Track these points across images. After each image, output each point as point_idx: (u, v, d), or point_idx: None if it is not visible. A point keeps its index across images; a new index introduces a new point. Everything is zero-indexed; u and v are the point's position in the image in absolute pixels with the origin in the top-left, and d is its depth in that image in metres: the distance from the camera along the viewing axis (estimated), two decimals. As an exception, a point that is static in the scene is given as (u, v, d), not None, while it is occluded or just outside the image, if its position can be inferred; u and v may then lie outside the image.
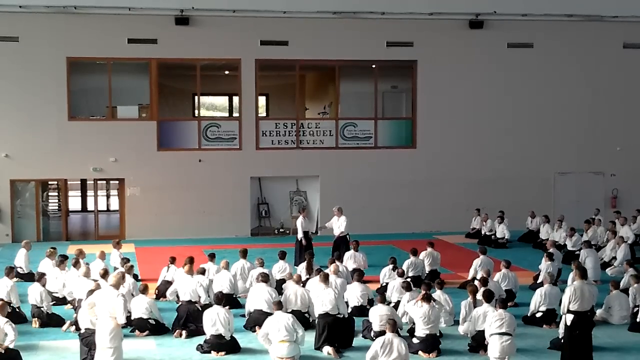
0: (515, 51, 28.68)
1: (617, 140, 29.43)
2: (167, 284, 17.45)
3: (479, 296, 14.45)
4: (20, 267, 18.90)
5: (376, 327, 13.98)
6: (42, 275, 16.10)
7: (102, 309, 11.80)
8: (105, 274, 15.13)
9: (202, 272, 16.04)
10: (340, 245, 21.05)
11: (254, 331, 14.65)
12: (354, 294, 16.15)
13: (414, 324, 13.87)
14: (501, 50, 28.62)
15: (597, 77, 29.20)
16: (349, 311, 15.56)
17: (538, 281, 18.07)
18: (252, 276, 16.90)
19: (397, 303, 15.59)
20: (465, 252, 23.78)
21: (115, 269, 18.03)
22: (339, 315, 14.08)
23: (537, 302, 15.50)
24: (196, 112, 29.49)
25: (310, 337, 14.07)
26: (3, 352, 11.66)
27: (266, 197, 28.74)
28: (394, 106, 30.04)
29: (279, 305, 13.65)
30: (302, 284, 15.83)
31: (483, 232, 26.13)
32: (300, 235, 21.34)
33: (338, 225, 21.65)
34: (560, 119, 29.06)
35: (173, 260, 18.09)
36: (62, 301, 16.76)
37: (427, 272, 19.17)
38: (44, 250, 18.99)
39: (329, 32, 27.48)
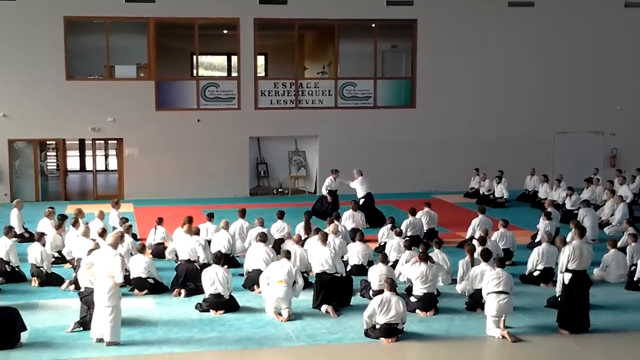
0: (515, 10, 28.45)
1: (617, 99, 29.33)
2: (159, 245, 17.50)
3: (477, 255, 14.51)
4: (15, 227, 18.91)
5: (375, 286, 14.04)
6: (42, 235, 16.13)
7: (100, 268, 11.84)
8: (103, 234, 15.19)
9: (197, 232, 16.04)
10: (367, 205, 21.41)
11: (253, 290, 14.73)
12: (355, 253, 16.22)
13: (411, 282, 13.92)
14: (502, 9, 28.39)
15: (597, 37, 29.00)
16: (349, 269, 15.66)
17: (536, 240, 18.12)
18: (250, 236, 16.95)
19: (395, 262, 15.63)
20: (463, 211, 23.82)
21: (114, 228, 18.09)
22: (336, 274, 14.14)
23: (535, 261, 15.56)
24: (194, 71, 29.34)
25: (308, 296, 14.16)
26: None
27: (265, 157, 28.72)
28: (394, 66, 29.89)
29: (287, 254, 13.79)
30: (301, 244, 15.87)
31: (481, 192, 26.15)
32: (324, 191, 21.99)
33: (360, 187, 21.98)
34: (560, 78, 28.93)
35: (160, 220, 18.09)
36: (61, 260, 16.81)
37: (424, 231, 19.22)
38: (43, 210, 19.03)
39: (328, -9, 27.27)
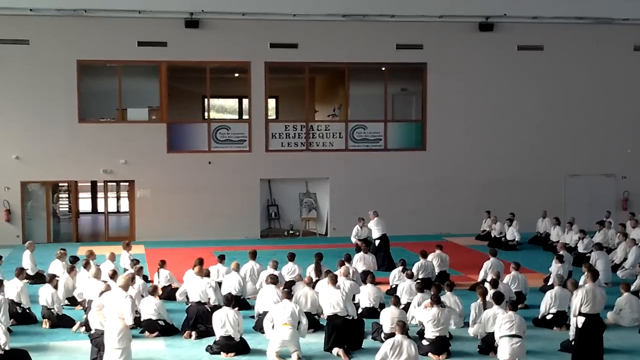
0: (525, 54, 28.62)
1: (628, 142, 29.33)
2: (165, 288, 17.42)
3: (489, 298, 14.41)
4: (27, 269, 18.90)
5: (387, 329, 13.94)
6: (53, 276, 16.13)
7: (111, 310, 11.82)
8: (114, 275, 15.18)
9: (208, 274, 16.00)
10: (383, 245, 21.52)
11: (264, 333, 14.65)
12: (367, 296, 16.15)
13: (423, 325, 13.83)
14: (511, 53, 28.56)
15: (607, 80, 29.11)
16: (360, 312, 15.57)
17: (548, 283, 18.00)
18: (262, 278, 16.89)
19: (407, 305, 15.55)
20: (475, 254, 23.72)
21: (125, 270, 18.09)
22: (347, 317, 14.07)
23: (548, 304, 15.44)
24: (206, 114, 29.52)
25: (319, 339, 14.08)
26: (2, 352, 11.66)
27: (276, 199, 28.76)
28: (404, 109, 29.99)
29: (288, 295, 13.77)
30: (312, 286, 15.82)
31: (493, 235, 26.07)
32: (353, 240, 22.08)
33: (375, 228, 22.02)
34: (571, 121, 28.97)
35: (163, 263, 18.05)
36: (72, 302, 16.78)
37: (436, 274, 19.13)
38: (54, 252, 19.04)
39: (338, 35, 27.49)
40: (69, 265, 17.46)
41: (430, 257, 19.36)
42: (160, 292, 17.27)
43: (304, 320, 13.53)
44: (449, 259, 19.95)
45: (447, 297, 15.05)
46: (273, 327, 13.40)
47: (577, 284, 14.57)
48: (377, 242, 21.74)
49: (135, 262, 18.04)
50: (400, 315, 13.88)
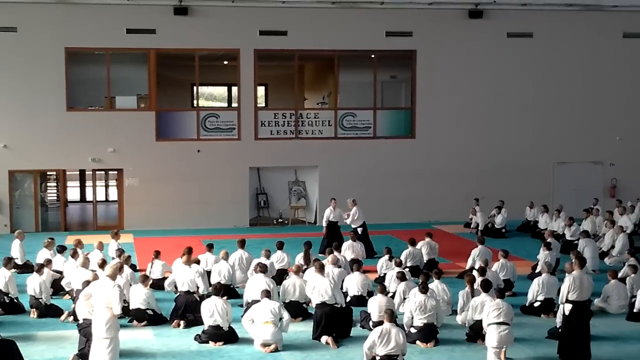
0: (514, 41, 28.60)
1: (616, 130, 29.38)
2: (159, 281, 17.35)
3: (477, 286, 14.46)
4: (17, 258, 18.85)
5: (375, 317, 13.98)
6: (42, 266, 16.08)
7: (99, 299, 11.78)
8: (103, 265, 15.16)
9: (197, 262, 15.97)
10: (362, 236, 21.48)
11: (253, 321, 14.64)
12: (355, 284, 16.17)
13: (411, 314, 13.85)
14: (500, 40, 28.54)
15: (596, 67, 29.13)
16: (348, 300, 15.60)
17: (536, 271, 18.06)
18: (252, 266, 16.86)
19: (395, 293, 15.57)
20: (463, 241, 23.78)
21: (113, 259, 18.03)
22: (336, 305, 14.09)
23: (535, 291, 15.51)
24: (195, 102, 29.44)
25: (308, 327, 14.11)
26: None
27: (265, 187, 28.73)
28: (393, 96, 29.97)
29: (267, 294, 13.74)
30: (301, 274, 15.83)
31: (472, 226, 25.99)
32: (324, 224, 22.21)
33: (351, 219, 22.09)
34: (560, 108, 29.01)
35: (157, 254, 18.01)
36: (60, 291, 16.74)
37: (424, 261, 19.17)
38: (43, 241, 18.97)
39: (328, 22, 27.42)
40: (55, 255, 17.40)
41: (419, 245, 19.39)
42: (151, 281, 17.31)
43: (286, 315, 13.51)
44: (438, 247, 19.97)
45: (435, 285, 15.09)
46: (253, 322, 13.41)
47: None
48: (359, 230, 21.72)
49: (120, 251, 17.86)
50: (388, 304, 13.92)
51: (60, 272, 16.94)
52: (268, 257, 17.09)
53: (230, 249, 18.29)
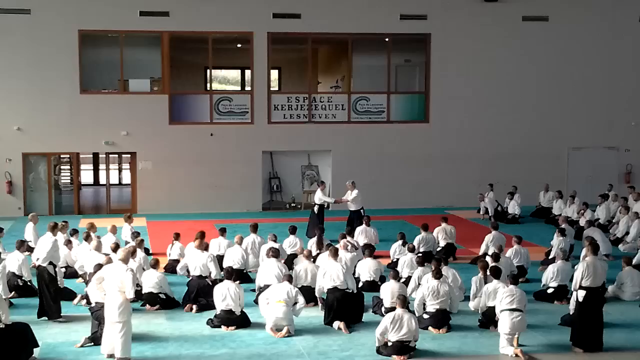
0: (530, 24, 28.38)
1: (631, 115, 29.17)
2: (174, 262, 17.46)
3: (489, 272, 14.39)
4: (30, 241, 18.90)
5: (387, 303, 13.93)
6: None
7: (111, 283, 11.79)
8: (116, 248, 15.17)
9: (206, 247, 15.95)
10: (354, 220, 21.12)
11: (268, 301, 14.62)
12: (367, 269, 16.14)
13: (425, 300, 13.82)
14: (516, 23, 28.32)
15: (611, 51, 28.89)
16: (360, 286, 15.57)
17: (550, 257, 17.97)
18: (263, 252, 16.86)
19: (408, 279, 15.53)
20: (476, 227, 23.71)
21: (127, 243, 18.10)
22: (347, 290, 14.07)
23: (548, 277, 15.44)
24: (208, 85, 29.40)
25: (320, 312, 14.11)
26: (3, 326, 11.67)
27: (278, 171, 28.70)
28: (407, 80, 29.83)
29: (289, 278, 13.75)
30: (312, 260, 15.82)
31: (482, 210, 25.87)
32: (316, 208, 21.89)
33: (351, 199, 21.77)
34: (575, 93, 28.81)
35: (177, 236, 18.08)
36: (73, 275, 16.80)
37: (442, 246, 19.10)
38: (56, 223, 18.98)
39: (341, 5, 27.29)
40: (66, 238, 17.43)
41: (435, 230, 19.31)
42: (166, 263, 17.42)
43: (301, 300, 13.53)
44: (455, 231, 19.79)
45: (445, 271, 15.01)
46: (268, 303, 13.42)
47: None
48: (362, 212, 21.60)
49: (136, 234, 18.05)
50: (401, 289, 13.86)
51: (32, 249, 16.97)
52: (275, 241, 17.01)
53: (243, 233, 18.26)
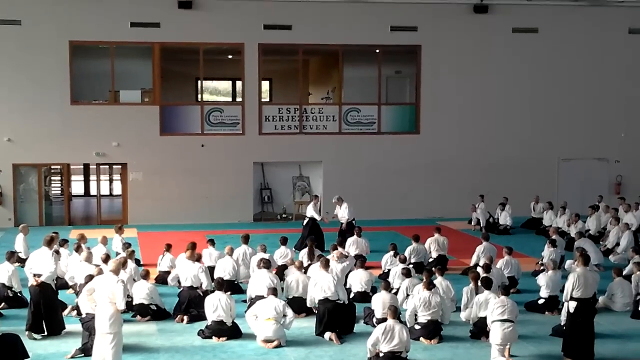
0: (520, 36, 28.51)
1: (621, 126, 29.30)
2: (165, 273, 17.41)
3: (480, 283, 14.40)
4: (20, 252, 18.83)
5: (379, 314, 13.92)
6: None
7: (102, 294, 11.74)
8: (107, 259, 15.09)
9: (198, 258, 15.91)
10: (346, 232, 21.13)
11: (256, 317, 14.62)
12: (358, 280, 16.13)
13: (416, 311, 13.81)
14: (506, 35, 28.45)
15: (602, 63, 29.03)
16: (352, 297, 15.56)
17: (541, 267, 18.00)
18: (253, 262, 16.82)
19: (399, 289, 15.52)
20: (467, 238, 23.73)
21: (117, 254, 18.04)
22: (338, 301, 14.06)
23: (543, 287, 15.51)
24: (199, 96, 29.40)
25: (311, 323, 14.09)
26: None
27: (269, 182, 28.70)
28: (398, 91, 29.91)
29: (274, 292, 13.68)
30: (303, 271, 15.80)
31: (474, 221, 25.91)
32: (315, 217, 21.99)
33: (342, 214, 21.83)
34: (565, 104, 28.92)
35: (168, 247, 18.04)
36: (63, 286, 16.72)
37: (434, 257, 19.09)
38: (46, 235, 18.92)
39: (332, 17, 27.35)
40: (55, 249, 17.33)
41: (428, 241, 19.30)
42: (157, 274, 17.36)
43: (290, 313, 13.47)
44: (447, 243, 19.75)
45: (439, 282, 15.03)
46: (257, 318, 13.40)
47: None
48: (344, 226, 21.63)
49: (127, 245, 17.99)
50: (392, 300, 13.85)
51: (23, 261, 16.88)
52: (264, 252, 17.01)
53: (234, 244, 18.25)
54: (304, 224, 22.09)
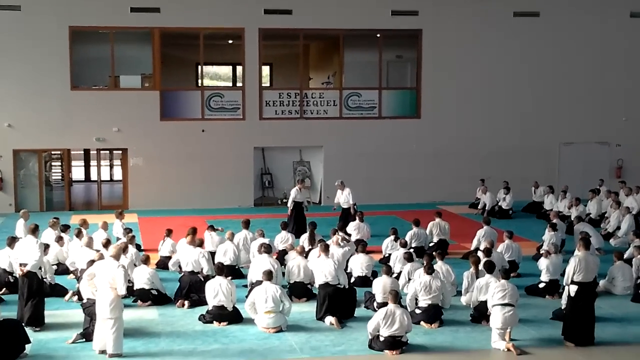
0: (521, 20, 28.40)
1: (622, 110, 29.24)
2: (165, 258, 17.43)
3: (481, 267, 14.41)
4: (21, 237, 18.81)
5: (379, 298, 13.95)
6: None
7: (103, 279, 11.77)
8: (107, 244, 15.10)
9: (200, 243, 15.90)
10: (347, 217, 21.12)
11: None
12: (359, 265, 16.14)
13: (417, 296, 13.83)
14: (507, 19, 28.33)
15: (603, 47, 28.94)
16: (352, 281, 15.58)
17: (541, 251, 17.99)
18: (254, 247, 16.83)
19: (400, 274, 15.54)
20: (468, 222, 23.74)
21: (118, 239, 18.04)
22: (339, 286, 14.08)
23: (544, 270, 15.51)
24: (199, 81, 29.34)
25: (312, 308, 14.11)
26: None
27: (269, 167, 28.68)
28: (399, 76, 29.81)
29: (269, 276, 13.65)
30: (304, 255, 15.81)
31: (479, 207, 25.87)
32: (289, 204, 21.76)
33: (344, 199, 21.81)
34: (566, 88, 28.85)
35: (169, 232, 18.05)
36: (64, 271, 16.75)
37: (435, 241, 19.08)
38: (47, 220, 18.94)
39: (333, 1, 27.26)
40: (57, 235, 17.37)
41: (429, 225, 19.29)
42: (157, 259, 17.38)
43: (287, 303, 13.44)
44: (449, 227, 19.70)
45: (439, 266, 15.04)
46: (256, 312, 13.40)
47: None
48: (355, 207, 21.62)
49: (127, 230, 18.00)
50: (393, 285, 13.87)
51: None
52: (263, 236, 17.03)
53: (235, 229, 18.26)
54: (290, 208, 21.92)
